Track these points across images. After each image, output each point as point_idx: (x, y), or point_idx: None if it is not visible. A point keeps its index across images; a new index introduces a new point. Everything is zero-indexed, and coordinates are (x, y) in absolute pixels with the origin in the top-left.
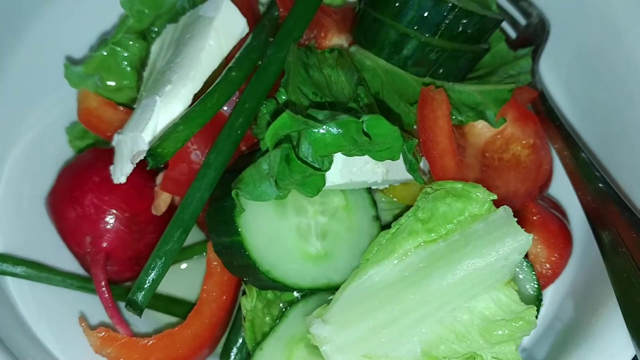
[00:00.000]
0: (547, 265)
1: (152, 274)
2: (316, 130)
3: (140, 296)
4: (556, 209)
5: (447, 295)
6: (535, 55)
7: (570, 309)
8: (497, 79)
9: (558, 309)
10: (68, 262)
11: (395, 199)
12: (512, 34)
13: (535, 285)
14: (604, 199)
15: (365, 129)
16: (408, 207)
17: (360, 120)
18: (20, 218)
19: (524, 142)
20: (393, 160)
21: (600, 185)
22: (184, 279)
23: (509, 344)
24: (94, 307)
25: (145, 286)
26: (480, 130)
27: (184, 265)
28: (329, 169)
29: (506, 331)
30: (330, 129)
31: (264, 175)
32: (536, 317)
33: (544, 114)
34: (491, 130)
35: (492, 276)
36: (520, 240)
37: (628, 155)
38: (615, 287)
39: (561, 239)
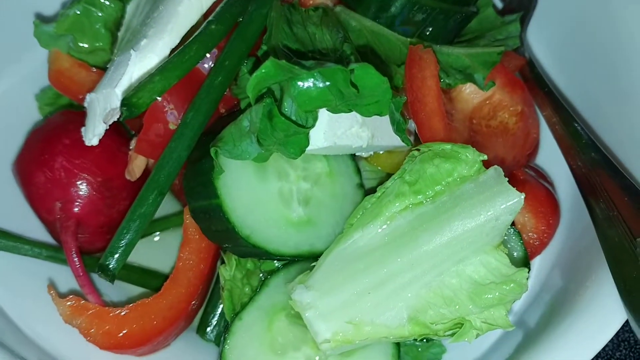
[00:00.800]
0: (535, 235)
1: (126, 238)
2: (301, 83)
3: (112, 261)
4: (543, 178)
5: (435, 258)
6: (523, 23)
7: (559, 278)
8: (486, 42)
9: (546, 279)
10: (36, 231)
11: (379, 168)
12: (499, 4)
13: (522, 253)
14: (595, 164)
15: (353, 80)
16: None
17: (349, 68)
18: None
19: (511, 109)
20: (381, 115)
21: (590, 150)
22: (157, 251)
23: (498, 308)
24: (63, 278)
25: (118, 250)
26: (468, 96)
27: (156, 238)
28: (313, 126)
29: (497, 294)
30: (316, 81)
31: (244, 132)
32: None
33: (532, 81)
34: (479, 96)
35: (482, 238)
36: (511, 200)
37: (617, 120)
38: (606, 253)
39: (549, 208)
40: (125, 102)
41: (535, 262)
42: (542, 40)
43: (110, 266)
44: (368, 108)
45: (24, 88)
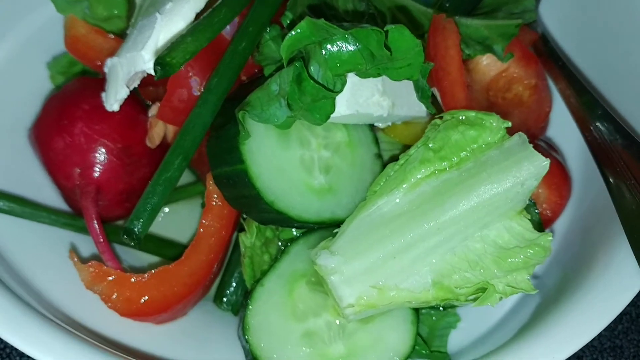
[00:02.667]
0: (548, 207)
1: (151, 202)
2: (331, 45)
3: (138, 225)
4: (554, 151)
5: (461, 223)
6: None
7: (570, 248)
8: (503, 16)
9: (557, 249)
10: (49, 201)
11: (396, 140)
12: None
13: (538, 223)
14: (610, 134)
15: (386, 42)
16: (408, 148)
17: (384, 29)
18: None
19: (526, 82)
20: (411, 79)
21: (605, 120)
22: (168, 222)
23: (521, 272)
24: (82, 245)
25: (144, 215)
26: (485, 68)
27: (166, 209)
28: (341, 90)
29: (521, 257)
30: (347, 44)
31: (273, 96)
32: None
33: (546, 55)
34: (495, 68)
35: (507, 203)
36: (537, 165)
37: (631, 91)
38: (623, 222)
39: (561, 180)
40: (160, 62)
41: None
42: (553, 14)
43: (136, 230)
44: (399, 71)
45: (34, 56)
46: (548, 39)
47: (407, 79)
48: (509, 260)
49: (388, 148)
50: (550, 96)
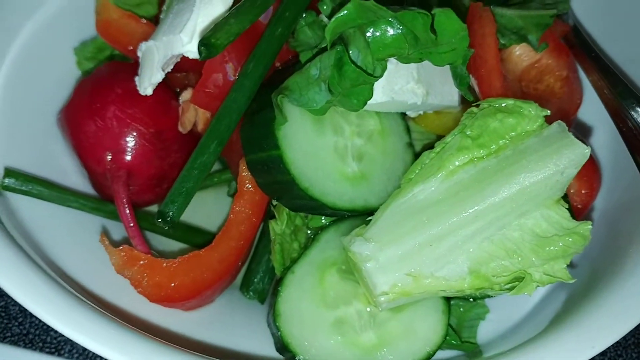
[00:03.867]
0: (578, 199)
1: (186, 186)
2: (375, 29)
3: (173, 208)
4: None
5: (499, 211)
6: None
7: (598, 242)
8: (537, 6)
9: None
10: (77, 187)
11: (427, 130)
12: None
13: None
14: None
15: (433, 25)
16: (439, 138)
17: (431, 12)
18: (22, 139)
19: (557, 73)
20: (455, 64)
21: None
22: (192, 211)
23: (559, 261)
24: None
25: (179, 199)
26: (517, 58)
27: None
28: (381, 75)
29: (560, 244)
30: (391, 27)
31: (312, 81)
32: None
33: (577, 47)
34: (528, 59)
35: (545, 192)
36: (578, 153)
37: None
38: None
39: (591, 172)
40: (205, 42)
41: None
42: (584, 5)
43: (171, 213)
44: (443, 56)
45: (61, 42)
46: (580, 31)
47: (451, 63)
48: (548, 248)
49: (419, 138)
50: (581, 88)
